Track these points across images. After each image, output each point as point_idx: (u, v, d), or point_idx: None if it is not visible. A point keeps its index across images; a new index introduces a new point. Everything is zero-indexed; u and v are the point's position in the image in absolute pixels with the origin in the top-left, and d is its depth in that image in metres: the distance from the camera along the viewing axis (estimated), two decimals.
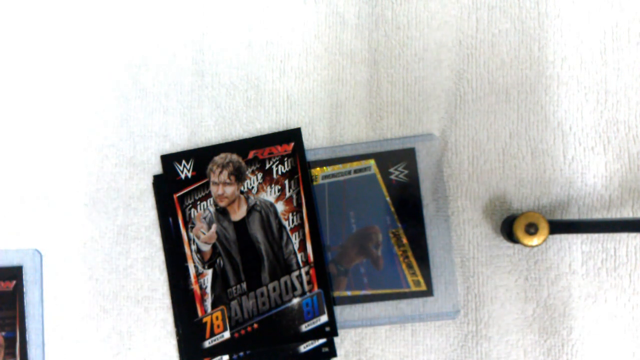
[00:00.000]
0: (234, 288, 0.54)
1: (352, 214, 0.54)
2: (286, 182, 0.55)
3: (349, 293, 0.54)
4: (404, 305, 0.53)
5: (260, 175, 0.55)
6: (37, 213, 0.58)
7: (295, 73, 0.56)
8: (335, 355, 0.54)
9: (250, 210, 0.55)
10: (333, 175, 0.54)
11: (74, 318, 0.57)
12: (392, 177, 0.54)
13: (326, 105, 0.56)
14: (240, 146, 0.55)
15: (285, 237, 0.54)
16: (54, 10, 0.59)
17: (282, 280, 0.54)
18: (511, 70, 0.54)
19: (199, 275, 0.55)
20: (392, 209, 0.54)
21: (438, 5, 0.55)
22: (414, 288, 0.53)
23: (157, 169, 0.57)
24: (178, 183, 0.56)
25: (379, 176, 0.54)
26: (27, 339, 0.56)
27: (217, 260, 0.55)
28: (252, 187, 0.55)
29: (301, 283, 0.54)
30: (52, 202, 0.58)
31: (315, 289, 0.54)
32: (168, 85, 0.58)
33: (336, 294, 0.54)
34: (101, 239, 0.57)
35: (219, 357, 0.54)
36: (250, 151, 0.55)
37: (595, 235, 0.52)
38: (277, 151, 0.55)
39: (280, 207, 0.54)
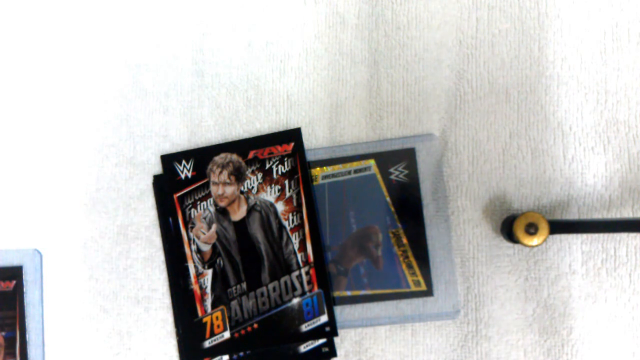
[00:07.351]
0: (234, 288, 0.54)
1: (352, 214, 0.54)
2: (286, 182, 0.55)
3: (349, 293, 0.54)
4: (404, 305, 0.53)
5: (260, 175, 0.55)
6: (37, 213, 0.58)
7: (295, 73, 0.56)
8: (335, 355, 0.54)
9: (250, 210, 0.55)
10: (333, 175, 0.54)
11: (74, 318, 0.57)
12: (392, 177, 0.54)
13: (326, 105, 0.56)
14: (240, 146, 0.55)
15: (285, 237, 0.54)
16: (55, 10, 0.59)
17: (282, 280, 0.54)
18: (511, 70, 0.54)
19: (199, 275, 0.55)
20: (392, 209, 0.54)
21: (438, 5, 0.55)
22: (414, 288, 0.53)
23: (157, 169, 0.57)
24: (178, 183, 0.56)
25: (379, 176, 0.54)
26: (27, 339, 0.56)
27: (217, 260, 0.55)
28: (252, 187, 0.55)
29: (301, 283, 0.54)
30: (52, 202, 0.58)
31: (315, 289, 0.54)
32: (168, 85, 0.58)
33: (336, 294, 0.54)
34: (101, 239, 0.57)
35: (219, 357, 0.54)
36: (250, 151, 0.55)
37: (595, 235, 0.52)
38: (277, 151, 0.55)
39: (280, 207, 0.54)
